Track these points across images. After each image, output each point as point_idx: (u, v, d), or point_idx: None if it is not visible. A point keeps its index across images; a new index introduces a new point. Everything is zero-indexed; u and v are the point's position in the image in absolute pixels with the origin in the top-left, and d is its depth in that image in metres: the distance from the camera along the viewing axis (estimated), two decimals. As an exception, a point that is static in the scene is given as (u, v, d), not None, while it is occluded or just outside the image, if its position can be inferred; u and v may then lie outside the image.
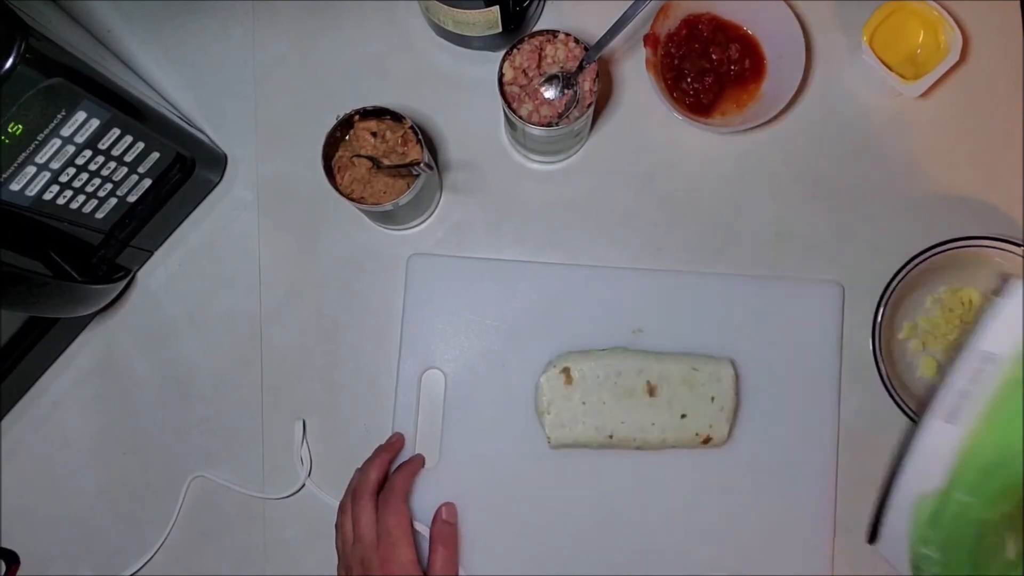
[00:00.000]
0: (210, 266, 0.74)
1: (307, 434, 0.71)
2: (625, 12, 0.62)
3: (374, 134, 0.65)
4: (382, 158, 0.65)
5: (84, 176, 0.60)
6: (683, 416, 0.68)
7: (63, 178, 0.58)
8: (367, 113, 0.64)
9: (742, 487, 0.70)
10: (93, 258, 0.67)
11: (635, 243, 0.73)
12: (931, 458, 0.51)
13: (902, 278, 0.68)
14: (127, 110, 0.59)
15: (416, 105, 0.74)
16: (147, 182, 0.67)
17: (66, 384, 0.73)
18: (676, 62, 0.72)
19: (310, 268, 0.73)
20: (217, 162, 0.73)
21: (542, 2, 0.74)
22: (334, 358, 0.72)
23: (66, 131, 0.55)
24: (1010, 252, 0.68)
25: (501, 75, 0.64)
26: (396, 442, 0.69)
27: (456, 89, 0.74)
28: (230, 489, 0.71)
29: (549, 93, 0.65)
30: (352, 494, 0.66)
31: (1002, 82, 0.74)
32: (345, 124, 0.64)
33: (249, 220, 0.74)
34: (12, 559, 0.66)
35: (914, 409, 0.67)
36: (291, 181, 0.74)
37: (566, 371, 0.68)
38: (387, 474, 0.68)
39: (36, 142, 0.54)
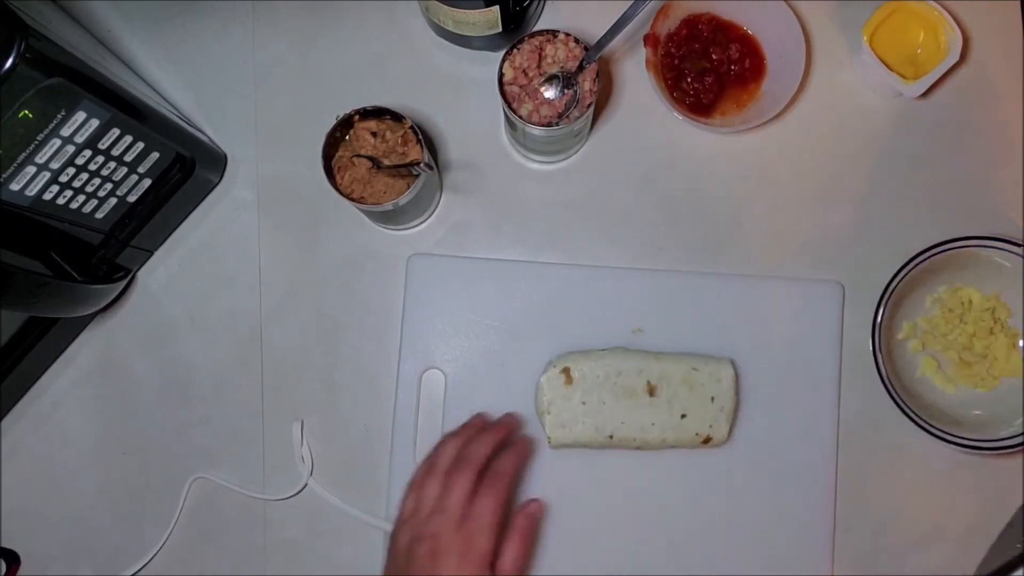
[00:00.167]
0: (210, 266, 0.74)
1: (307, 434, 0.71)
2: (625, 12, 0.62)
3: (374, 134, 0.65)
4: (382, 158, 0.65)
5: (84, 176, 0.60)
6: (683, 416, 0.68)
7: (63, 178, 0.58)
8: (367, 113, 0.64)
9: (742, 487, 0.70)
10: (93, 258, 0.67)
11: (635, 243, 0.73)
12: None
13: (902, 278, 0.68)
14: (127, 110, 0.59)
15: (416, 105, 0.74)
16: (147, 182, 0.67)
17: (66, 384, 0.73)
18: (676, 62, 0.72)
19: (310, 268, 0.73)
20: (217, 162, 0.73)
21: (542, 2, 0.74)
22: (334, 358, 0.72)
23: (66, 131, 0.55)
24: (1010, 252, 0.68)
25: (501, 75, 0.64)
26: (511, 422, 0.66)
27: (456, 89, 0.74)
28: (231, 490, 0.71)
29: (549, 93, 0.65)
30: (454, 463, 0.61)
31: (1002, 82, 0.74)
32: (345, 124, 0.64)
33: (249, 220, 0.74)
34: (12, 559, 0.66)
35: (914, 410, 0.67)
36: (291, 181, 0.74)
37: (566, 371, 0.68)
38: (494, 453, 0.63)
39: (36, 142, 0.54)
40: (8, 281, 0.55)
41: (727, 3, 0.72)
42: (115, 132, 0.59)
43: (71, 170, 0.58)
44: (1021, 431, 0.67)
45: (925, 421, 0.67)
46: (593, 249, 0.73)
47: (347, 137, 0.66)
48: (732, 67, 0.72)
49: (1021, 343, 0.71)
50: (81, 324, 0.72)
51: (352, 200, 0.64)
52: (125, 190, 0.65)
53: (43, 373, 0.72)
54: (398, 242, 0.73)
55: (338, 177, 0.65)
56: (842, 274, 0.72)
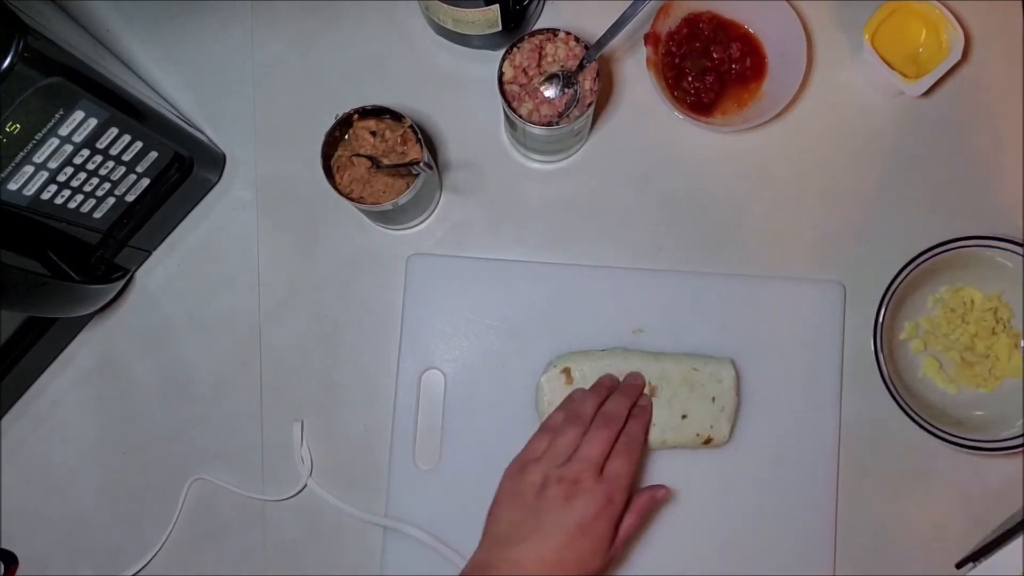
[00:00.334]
0: (209, 266, 0.74)
1: (307, 434, 0.71)
2: (625, 11, 0.62)
3: (373, 133, 0.65)
4: (381, 157, 0.65)
5: (82, 175, 0.60)
6: (684, 416, 0.68)
7: (61, 177, 0.58)
8: (366, 112, 0.64)
9: (743, 488, 0.69)
10: (91, 258, 0.67)
11: (635, 243, 0.73)
12: None
13: (904, 278, 0.67)
14: (125, 109, 0.59)
15: (416, 104, 0.74)
16: (145, 181, 0.66)
17: (65, 384, 0.73)
18: (677, 61, 0.72)
19: (309, 268, 0.73)
20: (216, 162, 0.73)
21: (542, 1, 0.74)
22: (333, 358, 0.72)
23: (64, 130, 0.55)
24: (1012, 252, 0.68)
25: (501, 74, 0.64)
26: (640, 383, 0.67)
27: (456, 88, 0.74)
28: (230, 490, 0.71)
29: (549, 92, 0.65)
30: (600, 418, 0.63)
31: (1004, 81, 0.74)
32: (344, 123, 0.64)
33: (248, 220, 0.74)
34: (10, 560, 0.66)
35: (916, 410, 0.67)
36: (290, 181, 0.74)
37: (567, 371, 0.68)
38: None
39: (34, 141, 0.54)
40: (6, 281, 0.54)
41: (728, 2, 0.72)
42: (113, 131, 0.59)
43: (69, 169, 0.58)
44: (1022, 432, 0.66)
45: (927, 421, 0.66)
46: (593, 249, 0.73)
47: (346, 136, 0.66)
48: (733, 66, 0.72)
49: (1023, 343, 0.71)
50: (79, 324, 0.72)
51: (351, 200, 0.64)
52: (123, 189, 0.65)
53: (42, 373, 0.72)
54: (398, 242, 0.73)
55: (337, 177, 0.65)
56: (843, 274, 0.72)
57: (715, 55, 0.72)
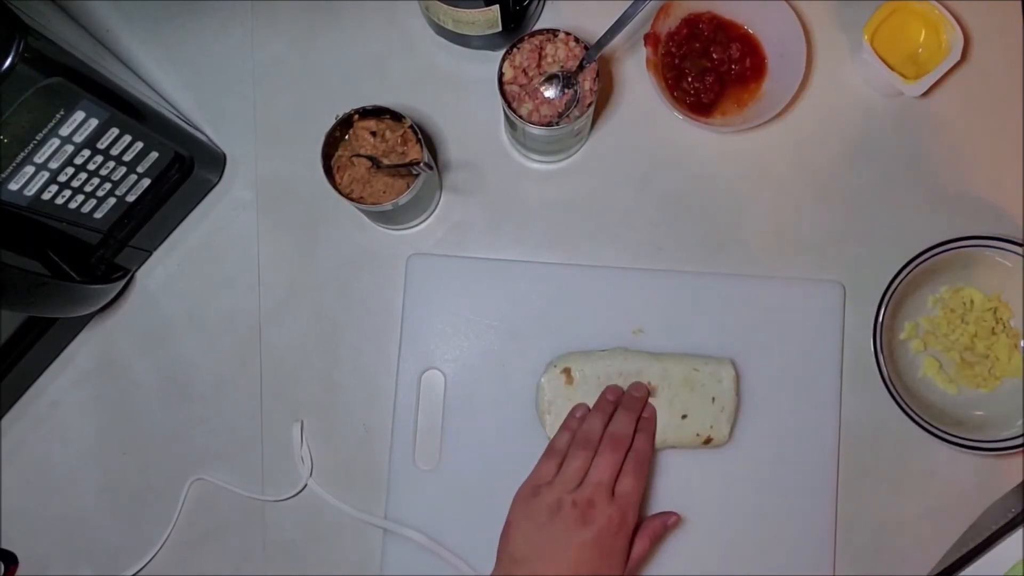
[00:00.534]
0: (209, 266, 0.74)
1: (307, 434, 0.71)
2: (625, 11, 0.62)
3: (373, 133, 0.65)
4: (382, 158, 0.65)
5: (83, 175, 0.60)
6: (684, 416, 0.68)
7: (61, 178, 0.58)
8: (366, 112, 0.64)
9: (743, 488, 0.69)
10: (92, 258, 0.67)
11: (635, 243, 0.73)
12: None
13: (903, 278, 0.67)
14: (126, 109, 0.59)
15: (416, 105, 0.74)
16: (146, 182, 0.66)
17: (65, 384, 0.73)
18: (677, 61, 0.72)
19: (309, 268, 0.73)
20: (216, 162, 0.73)
21: (542, 1, 0.74)
22: (333, 358, 0.72)
23: (65, 130, 0.55)
24: (1012, 252, 0.68)
25: (501, 74, 0.64)
26: (644, 395, 0.68)
27: (456, 89, 0.74)
28: (230, 491, 0.71)
29: (549, 92, 0.65)
30: (608, 440, 0.64)
31: (1003, 82, 0.74)
32: (344, 123, 0.64)
33: (248, 220, 0.74)
34: (10, 560, 0.66)
35: (916, 410, 0.67)
36: (290, 181, 0.74)
37: (567, 371, 0.68)
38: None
39: (35, 141, 0.54)
40: (6, 281, 0.54)
41: (728, 2, 0.72)
42: (114, 131, 0.59)
43: (70, 169, 0.58)
44: (1022, 432, 0.66)
45: (926, 422, 0.66)
46: (593, 249, 0.73)
47: (346, 137, 0.66)
48: (733, 66, 0.72)
49: (1022, 343, 0.71)
50: (80, 324, 0.72)
51: (351, 200, 0.64)
52: (124, 190, 0.65)
53: (42, 373, 0.72)
54: (398, 242, 0.73)
55: (337, 177, 0.65)
56: (843, 274, 0.72)
57: (715, 55, 0.72)
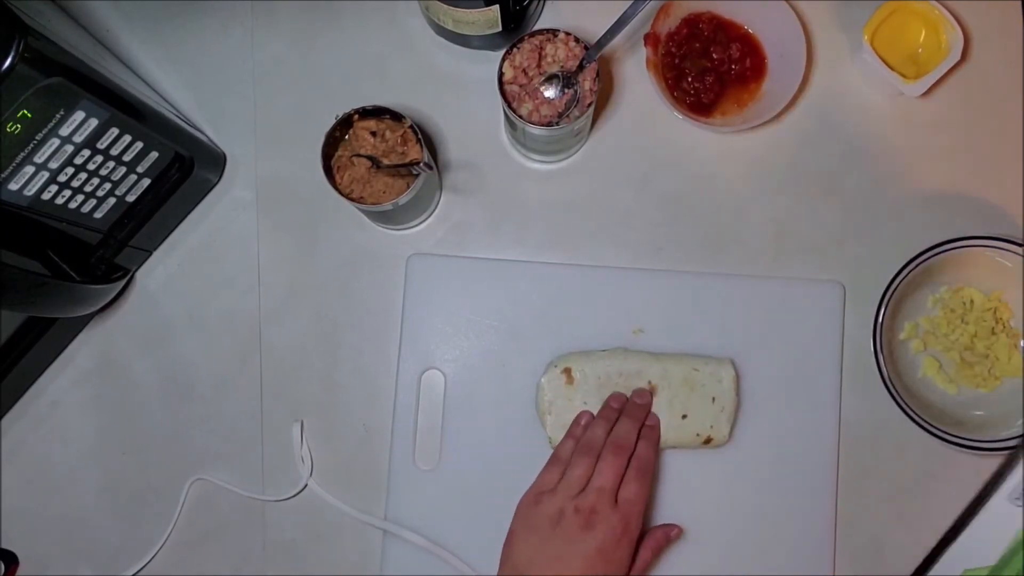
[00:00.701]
0: (209, 266, 0.74)
1: (307, 435, 0.71)
2: (625, 11, 0.62)
3: (373, 133, 0.65)
4: (382, 158, 0.65)
5: (83, 175, 0.60)
6: (684, 417, 0.68)
7: (61, 178, 0.58)
8: (366, 112, 0.64)
9: (743, 488, 0.69)
10: (92, 258, 0.67)
11: (635, 243, 0.73)
12: (989, 535, 0.52)
13: (903, 278, 0.67)
14: (126, 109, 0.59)
15: (416, 105, 0.74)
16: (146, 182, 0.66)
17: (65, 384, 0.73)
18: (677, 61, 0.72)
19: (309, 268, 0.73)
20: (216, 162, 0.73)
21: (542, 1, 0.74)
22: (333, 358, 0.72)
23: (65, 130, 0.55)
24: (1011, 252, 0.68)
25: (501, 74, 0.64)
26: (647, 402, 0.67)
27: (456, 88, 0.74)
28: (230, 491, 0.71)
29: (549, 92, 0.65)
30: (610, 447, 0.63)
31: (1003, 82, 0.74)
32: (344, 123, 0.64)
33: (248, 220, 0.74)
34: (11, 559, 0.66)
35: (916, 410, 0.67)
36: (290, 181, 0.74)
37: (567, 371, 0.68)
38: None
39: (35, 141, 0.54)
40: (6, 281, 0.54)
41: (728, 2, 0.72)
42: (114, 131, 0.59)
43: (70, 169, 0.58)
44: (1022, 432, 0.66)
45: (926, 421, 0.66)
46: (593, 249, 0.73)
47: (346, 137, 0.66)
48: (733, 66, 0.72)
49: (1022, 343, 0.71)
50: (80, 324, 0.72)
51: (351, 200, 0.64)
52: (124, 190, 0.65)
53: (42, 373, 0.72)
54: (398, 242, 0.73)
55: (337, 177, 0.65)
56: (843, 274, 0.72)
57: (715, 55, 0.72)
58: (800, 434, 0.70)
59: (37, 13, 0.52)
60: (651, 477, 0.64)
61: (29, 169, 0.55)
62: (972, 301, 0.71)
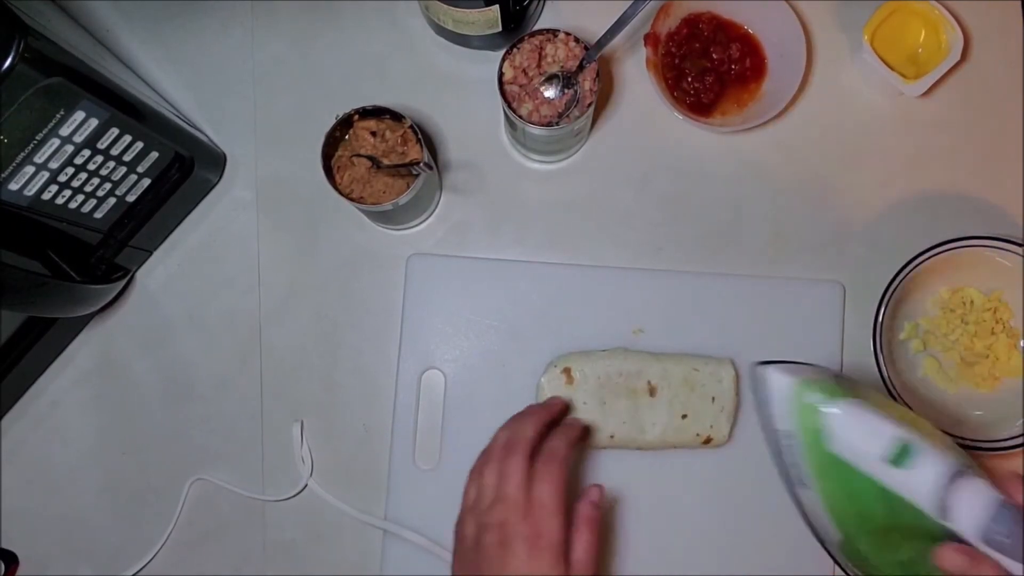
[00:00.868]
0: (209, 266, 0.74)
1: (307, 435, 0.71)
2: (625, 11, 0.62)
3: (373, 133, 0.65)
4: (382, 158, 0.65)
5: (83, 175, 0.60)
6: (684, 416, 0.68)
7: (62, 177, 0.58)
8: (366, 112, 0.64)
9: (743, 488, 0.69)
10: (92, 258, 0.67)
11: (635, 243, 0.73)
12: (820, 519, 0.56)
13: (903, 278, 0.67)
14: (126, 109, 0.59)
15: (416, 105, 0.74)
16: (146, 182, 0.66)
17: (65, 384, 0.73)
18: (677, 61, 0.72)
19: (309, 268, 0.73)
20: (216, 162, 0.73)
21: (542, 1, 0.74)
22: (333, 358, 0.72)
23: (65, 130, 0.55)
24: (1011, 252, 0.68)
25: (501, 74, 0.64)
26: (556, 405, 0.65)
27: (456, 89, 0.74)
28: (230, 491, 0.71)
29: (549, 92, 0.65)
30: (503, 449, 0.59)
31: (1003, 82, 0.74)
32: (344, 123, 0.64)
33: (248, 220, 0.74)
34: (11, 559, 0.66)
35: (916, 410, 0.67)
36: (290, 181, 0.74)
37: (567, 371, 0.68)
38: (543, 436, 0.61)
39: (35, 141, 0.54)
40: (6, 281, 0.55)
41: (728, 2, 0.72)
42: (114, 131, 0.59)
43: (70, 170, 0.58)
44: (1022, 431, 0.66)
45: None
46: (593, 249, 0.73)
47: (347, 137, 0.66)
48: (733, 66, 0.72)
49: (1022, 343, 0.71)
50: (80, 324, 0.72)
51: (351, 200, 0.64)
52: (124, 190, 0.65)
53: (42, 373, 0.72)
54: (398, 242, 0.73)
55: (337, 177, 0.65)
56: (843, 274, 0.72)
57: (715, 55, 0.72)
58: (800, 434, 0.70)
59: (37, 13, 0.52)
60: (562, 469, 0.58)
61: (29, 169, 0.55)
62: (972, 301, 0.71)
